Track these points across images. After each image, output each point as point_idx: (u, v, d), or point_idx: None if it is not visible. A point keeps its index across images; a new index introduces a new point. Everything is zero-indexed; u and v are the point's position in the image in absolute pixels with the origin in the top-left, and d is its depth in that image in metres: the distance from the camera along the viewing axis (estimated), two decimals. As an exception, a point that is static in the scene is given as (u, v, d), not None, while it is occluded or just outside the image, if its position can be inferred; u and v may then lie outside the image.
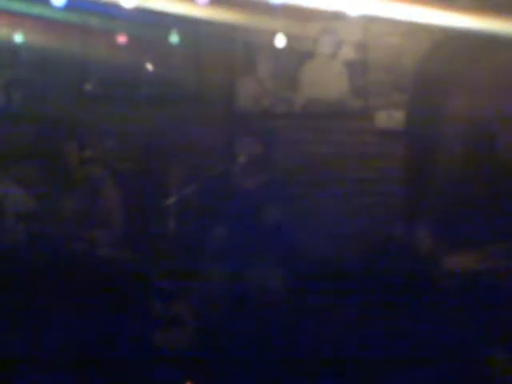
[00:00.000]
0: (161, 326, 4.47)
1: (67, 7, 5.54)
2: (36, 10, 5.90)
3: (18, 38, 6.19)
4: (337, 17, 5.70)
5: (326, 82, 6.01)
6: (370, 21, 5.70)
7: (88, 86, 6.34)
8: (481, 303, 4.34)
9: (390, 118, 5.82)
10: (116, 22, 6.12)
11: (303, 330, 4.27)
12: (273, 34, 5.84)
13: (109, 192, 5.11)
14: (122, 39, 6.21)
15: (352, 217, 5.85)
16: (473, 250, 4.63)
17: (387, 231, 5.64)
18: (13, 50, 6.30)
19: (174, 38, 6.14)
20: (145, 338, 4.19)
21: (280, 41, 5.84)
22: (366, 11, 5.50)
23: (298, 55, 6.04)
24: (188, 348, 4.39)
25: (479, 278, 4.49)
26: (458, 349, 3.99)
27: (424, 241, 4.93)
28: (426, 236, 4.95)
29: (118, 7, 5.41)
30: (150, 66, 6.31)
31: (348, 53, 5.93)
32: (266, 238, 5.09)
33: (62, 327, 4.00)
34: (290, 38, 5.83)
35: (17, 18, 6.09)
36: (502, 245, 4.62)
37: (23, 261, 4.44)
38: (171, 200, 4.88)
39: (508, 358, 4.00)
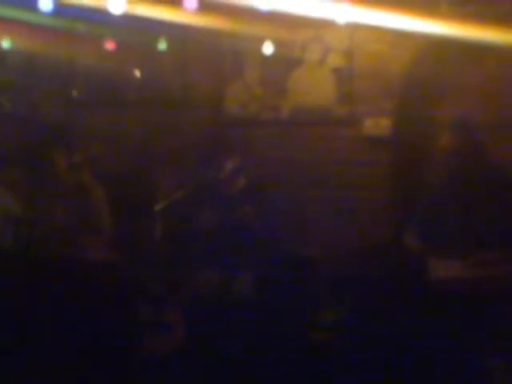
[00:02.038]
0: (150, 330, 4.47)
1: (55, 13, 5.53)
2: (24, 15, 5.89)
3: (6, 43, 6.17)
4: (324, 24, 5.72)
5: (313, 88, 6.02)
6: (357, 28, 5.72)
7: (76, 92, 6.34)
8: (468, 310, 4.35)
9: (378, 124, 5.83)
10: (104, 28, 6.12)
11: (293, 333, 4.28)
12: (261, 40, 5.85)
13: (97, 197, 5.10)
14: (109, 45, 6.21)
15: (339, 223, 5.86)
16: (461, 257, 4.64)
17: (374, 238, 5.66)
18: (0, 55, 6.29)
19: (162, 45, 6.14)
20: (134, 342, 4.18)
21: (268, 48, 5.85)
22: (353, 19, 5.52)
23: (286, 62, 6.06)
24: (177, 352, 4.39)
25: (467, 285, 4.50)
26: (447, 354, 4.00)
27: (411, 247, 4.94)
28: (413, 242, 4.96)
29: (106, 13, 5.41)
30: (137, 72, 6.31)
31: (335, 60, 5.95)
32: (250, 243, 5.10)
33: (52, 331, 3.98)
34: (277, 45, 5.85)
35: (4, 24, 6.07)
36: (490, 252, 4.63)
37: (13, 266, 4.41)
38: (160, 205, 4.89)
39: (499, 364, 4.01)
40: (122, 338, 3.95)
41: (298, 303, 4.11)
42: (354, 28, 5.73)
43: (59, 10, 5.54)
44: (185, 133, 6.10)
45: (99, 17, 5.81)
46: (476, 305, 4.35)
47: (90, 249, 4.82)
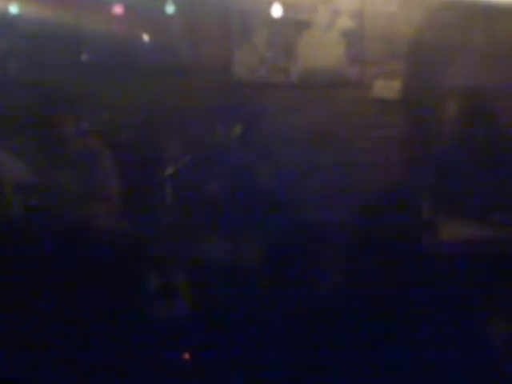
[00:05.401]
0: (158, 297, 4.49)
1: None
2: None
3: (13, 8, 6.15)
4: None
5: (322, 51, 5.99)
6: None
7: (84, 57, 6.32)
8: (480, 272, 4.35)
9: (387, 86, 5.81)
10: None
11: (304, 303, 4.28)
12: (269, 3, 5.81)
13: (105, 163, 5.10)
14: (117, 9, 6.18)
15: (349, 186, 5.86)
16: (473, 219, 4.65)
17: (385, 201, 5.65)
18: (8, 20, 6.26)
19: (170, 8, 6.11)
20: (141, 309, 4.20)
21: (276, 10, 5.81)
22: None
23: (295, 25, 6.02)
24: (185, 319, 4.41)
25: (479, 247, 4.51)
26: (456, 316, 3.99)
27: (423, 209, 4.94)
28: (424, 205, 4.96)
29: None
30: (145, 36, 6.28)
31: (345, 22, 5.91)
32: (260, 209, 5.10)
33: (60, 300, 4.00)
34: (286, 7, 5.81)
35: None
36: (502, 213, 4.64)
37: (20, 233, 4.43)
38: (169, 171, 4.89)
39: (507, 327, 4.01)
40: (130, 306, 3.97)
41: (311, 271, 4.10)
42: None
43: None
44: (193, 97, 6.08)
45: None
46: (494, 266, 4.36)
47: (99, 216, 4.83)
